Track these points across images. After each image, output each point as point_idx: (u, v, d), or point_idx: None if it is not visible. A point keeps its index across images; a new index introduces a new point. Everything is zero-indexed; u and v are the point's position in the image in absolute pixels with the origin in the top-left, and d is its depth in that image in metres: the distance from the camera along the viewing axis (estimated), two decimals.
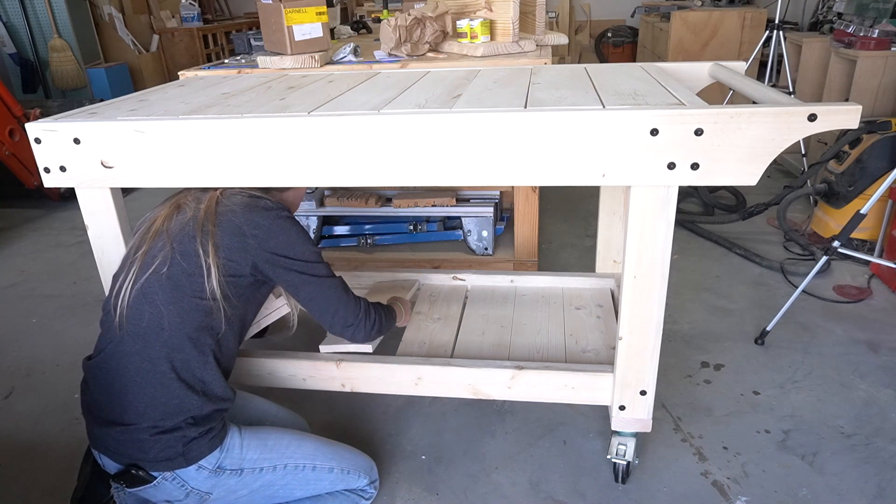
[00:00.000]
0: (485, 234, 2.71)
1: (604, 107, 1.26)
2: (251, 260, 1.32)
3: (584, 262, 2.85)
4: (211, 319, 1.30)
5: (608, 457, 1.62)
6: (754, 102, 1.29)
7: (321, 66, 2.41)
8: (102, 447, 1.31)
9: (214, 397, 1.32)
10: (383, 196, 2.85)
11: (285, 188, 1.50)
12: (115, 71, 5.48)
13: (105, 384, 1.31)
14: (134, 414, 1.27)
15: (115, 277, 1.35)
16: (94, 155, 1.39)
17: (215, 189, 1.39)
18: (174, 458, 1.28)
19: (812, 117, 1.17)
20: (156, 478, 1.28)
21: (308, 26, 2.41)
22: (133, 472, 1.28)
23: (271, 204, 1.37)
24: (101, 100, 2.84)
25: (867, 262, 2.66)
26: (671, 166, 1.23)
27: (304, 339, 2.30)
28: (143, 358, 1.28)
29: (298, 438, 1.47)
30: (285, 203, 1.50)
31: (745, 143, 1.19)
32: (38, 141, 1.40)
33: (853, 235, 2.59)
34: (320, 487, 1.47)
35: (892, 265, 2.13)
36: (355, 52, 2.55)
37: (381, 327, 1.55)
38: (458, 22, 2.49)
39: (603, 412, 1.87)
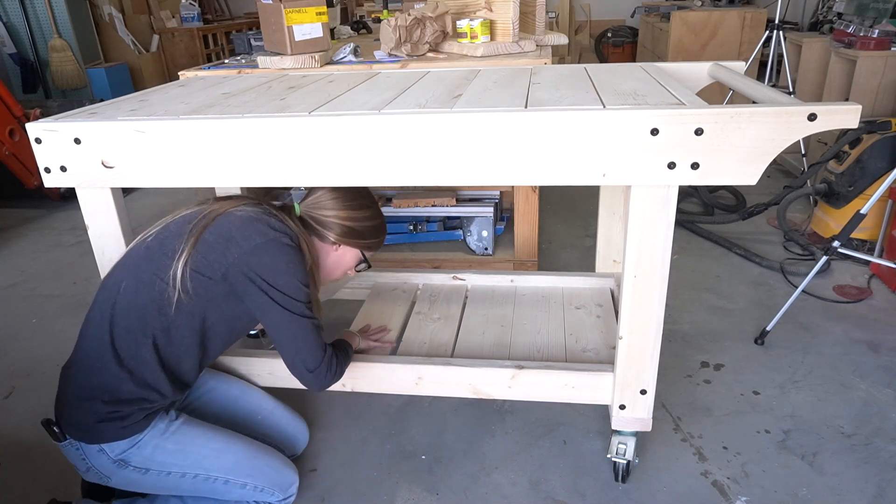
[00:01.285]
0: (485, 234, 2.71)
1: (604, 107, 1.26)
2: (225, 267, 1.29)
3: (584, 262, 2.85)
4: (162, 303, 1.29)
5: (608, 456, 1.63)
6: (754, 102, 1.29)
7: (321, 66, 2.41)
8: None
9: (141, 381, 1.30)
10: (383, 196, 2.85)
11: (329, 242, 1.49)
12: (115, 71, 5.48)
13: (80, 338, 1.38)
14: (69, 369, 1.33)
15: None
16: (94, 155, 1.40)
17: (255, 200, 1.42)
18: (81, 428, 1.31)
19: (812, 117, 1.17)
20: (66, 439, 1.32)
21: (308, 26, 2.41)
22: (51, 425, 1.32)
23: (278, 225, 1.34)
24: (101, 100, 2.84)
25: (867, 262, 2.66)
26: (671, 166, 1.23)
27: None
28: (95, 313, 1.33)
29: (220, 449, 1.44)
30: (314, 255, 1.46)
31: (745, 142, 1.19)
32: (38, 141, 1.40)
33: (853, 235, 2.59)
34: (229, 497, 1.46)
35: (892, 265, 2.14)
36: (355, 52, 2.55)
37: (340, 375, 1.48)
38: (458, 22, 2.49)
39: (603, 412, 1.87)
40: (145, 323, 1.29)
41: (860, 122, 1.23)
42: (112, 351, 1.29)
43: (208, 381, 1.62)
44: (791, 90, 3.42)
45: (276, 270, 1.30)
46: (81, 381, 1.31)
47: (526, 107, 1.29)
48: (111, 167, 1.40)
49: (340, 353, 1.49)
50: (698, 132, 1.19)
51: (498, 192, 2.85)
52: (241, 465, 1.46)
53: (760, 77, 3.97)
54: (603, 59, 6.76)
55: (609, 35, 6.74)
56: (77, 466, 1.37)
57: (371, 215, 1.53)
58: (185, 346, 1.33)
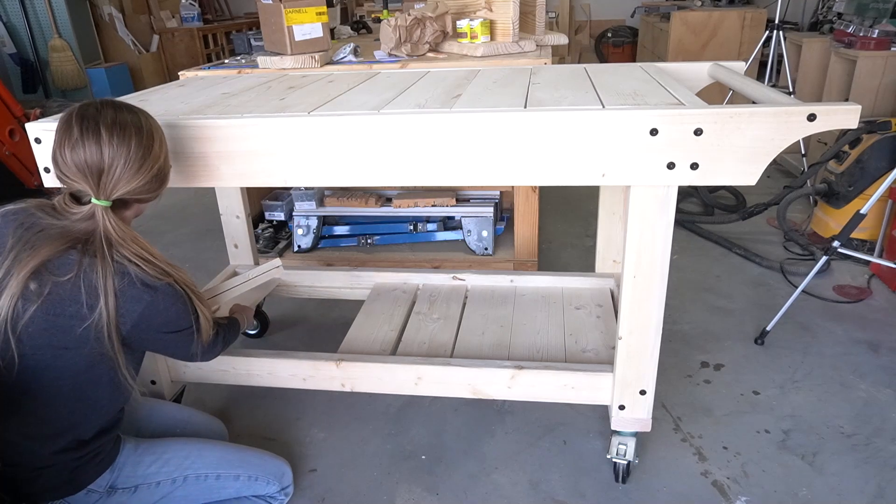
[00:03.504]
0: (485, 234, 2.71)
1: (604, 107, 1.26)
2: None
3: (584, 262, 2.85)
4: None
5: (608, 456, 1.62)
6: (754, 102, 1.29)
7: (321, 66, 2.41)
8: None
9: (90, 413, 1.25)
10: (383, 196, 2.85)
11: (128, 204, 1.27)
12: (115, 71, 5.49)
13: None
14: (10, 453, 1.22)
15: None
16: None
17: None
18: (60, 486, 1.24)
19: (811, 117, 1.17)
20: None
21: (308, 26, 2.41)
22: (16, 499, 1.24)
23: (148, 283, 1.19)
24: None
25: (867, 262, 2.66)
26: (671, 166, 1.23)
27: (305, 340, 2.31)
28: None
29: (201, 448, 1.43)
30: (129, 217, 1.30)
31: (745, 143, 1.19)
32: (38, 141, 1.40)
33: (853, 235, 2.59)
34: (225, 494, 1.44)
35: (892, 265, 2.14)
36: (355, 52, 2.55)
37: (226, 345, 1.46)
38: (458, 22, 2.49)
39: (603, 412, 1.87)
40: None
41: (860, 122, 1.23)
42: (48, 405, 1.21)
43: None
44: (791, 90, 3.42)
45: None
46: (38, 450, 1.22)
47: (525, 107, 1.29)
48: None
49: (226, 327, 1.48)
50: (698, 132, 1.19)
51: (498, 192, 2.85)
52: (227, 458, 1.44)
53: (760, 77, 3.97)
54: (603, 59, 6.76)
55: (609, 35, 6.74)
56: None
57: (151, 122, 1.26)
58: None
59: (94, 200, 1.19)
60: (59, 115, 1.26)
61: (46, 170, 1.43)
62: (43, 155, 1.41)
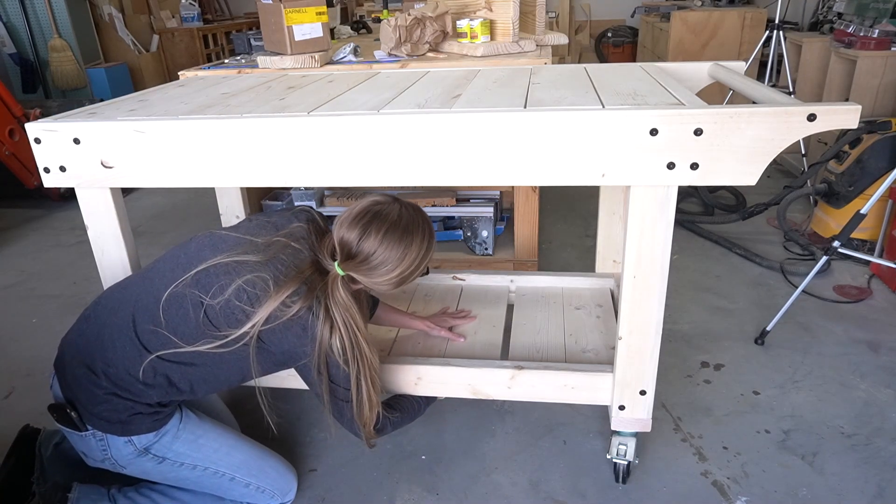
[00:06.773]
0: (485, 234, 2.71)
1: (603, 107, 1.26)
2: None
3: (584, 262, 2.85)
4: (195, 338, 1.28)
5: (608, 457, 1.62)
6: (754, 102, 1.29)
7: (321, 66, 2.41)
8: (62, 374, 1.34)
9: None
10: None
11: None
12: (115, 71, 5.48)
13: (100, 326, 1.34)
14: (102, 364, 1.29)
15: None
16: (94, 155, 1.40)
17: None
18: (114, 422, 1.30)
19: (811, 117, 1.17)
20: (87, 430, 1.31)
21: (308, 26, 2.41)
22: (69, 411, 1.30)
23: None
24: (101, 100, 2.84)
25: (867, 262, 2.66)
26: (671, 166, 1.23)
27: None
28: (122, 313, 1.32)
29: (230, 446, 1.47)
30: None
31: (745, 143, 1.19)
32: (38, 141, 1.40)
33: (853, 235, 2.59)
34: (229, 495, 1.49)
35: (892, 265, 2.13)
36: (355, 52, 2.55)
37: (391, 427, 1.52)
38: (458, 22, 2.49)
39: (603, 412, 1.87)
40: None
41: (860, 122, 1.23)
42: (147, 354, 1.28)
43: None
44: (791, 90, 3.41)
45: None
46: (117, 378, 1.29)
47: (525, 107, 1.29)
48: (110, 167, 1.40)
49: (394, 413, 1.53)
50: (698, 132, 1.19)
51: (498, 192, 2.85)
52: (249, 465, 1.48)
53: (760, 77, 3.97)
54: (603, 59, 6.76)
55: (609, 35, 6.74)
56: (91, 455, 1.36)
57: (425, 246, 1.37)
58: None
59: (337, 268, 1.30)
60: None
61: (46, 170, 1.43)
62: (42, 155, 1.41)
